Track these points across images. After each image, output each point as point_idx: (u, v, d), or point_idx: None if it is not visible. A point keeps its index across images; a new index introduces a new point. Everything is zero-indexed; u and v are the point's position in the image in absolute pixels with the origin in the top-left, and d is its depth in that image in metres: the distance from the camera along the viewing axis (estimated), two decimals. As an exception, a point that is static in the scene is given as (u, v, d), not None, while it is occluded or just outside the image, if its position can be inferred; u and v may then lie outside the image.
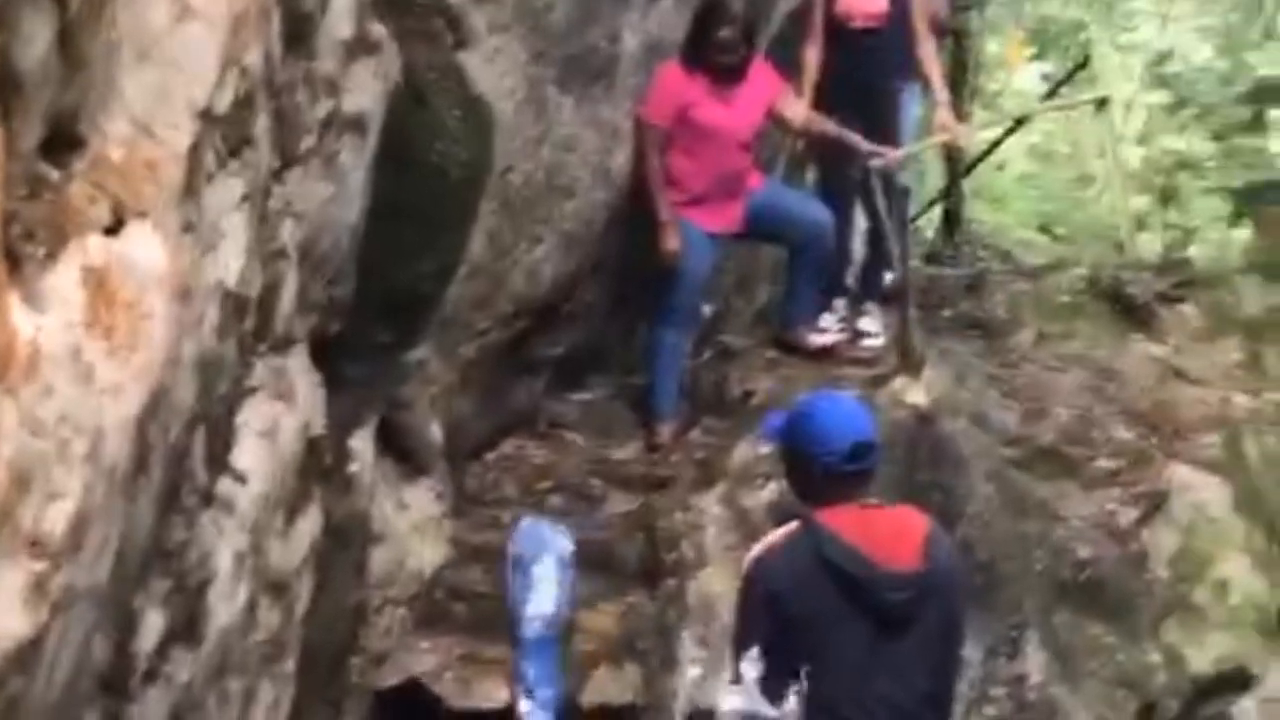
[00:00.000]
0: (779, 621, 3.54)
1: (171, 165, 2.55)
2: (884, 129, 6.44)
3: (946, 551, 3.75)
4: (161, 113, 2.51)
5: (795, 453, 3.77)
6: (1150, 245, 11.17)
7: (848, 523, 3.59)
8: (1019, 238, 12.31)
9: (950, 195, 10.44)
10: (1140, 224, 12.02)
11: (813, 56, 6.58)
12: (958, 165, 10.32)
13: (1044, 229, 12.84)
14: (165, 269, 2.46)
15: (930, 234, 10.76)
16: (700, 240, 6.13)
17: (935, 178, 11.14)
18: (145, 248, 2.43)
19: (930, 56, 6.70)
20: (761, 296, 7.52)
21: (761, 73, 6.23)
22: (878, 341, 6.52)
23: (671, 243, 6.03)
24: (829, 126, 6.33)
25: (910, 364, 6.05)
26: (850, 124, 6.29)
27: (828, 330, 6.51)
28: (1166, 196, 12.34)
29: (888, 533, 3.62)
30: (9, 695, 2.08)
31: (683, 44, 6.16)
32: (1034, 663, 5.55)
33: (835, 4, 6.54)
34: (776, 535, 3.77)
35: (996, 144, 10.45)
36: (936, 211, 10.76)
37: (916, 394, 5.94)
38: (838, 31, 6.53)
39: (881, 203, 6.40)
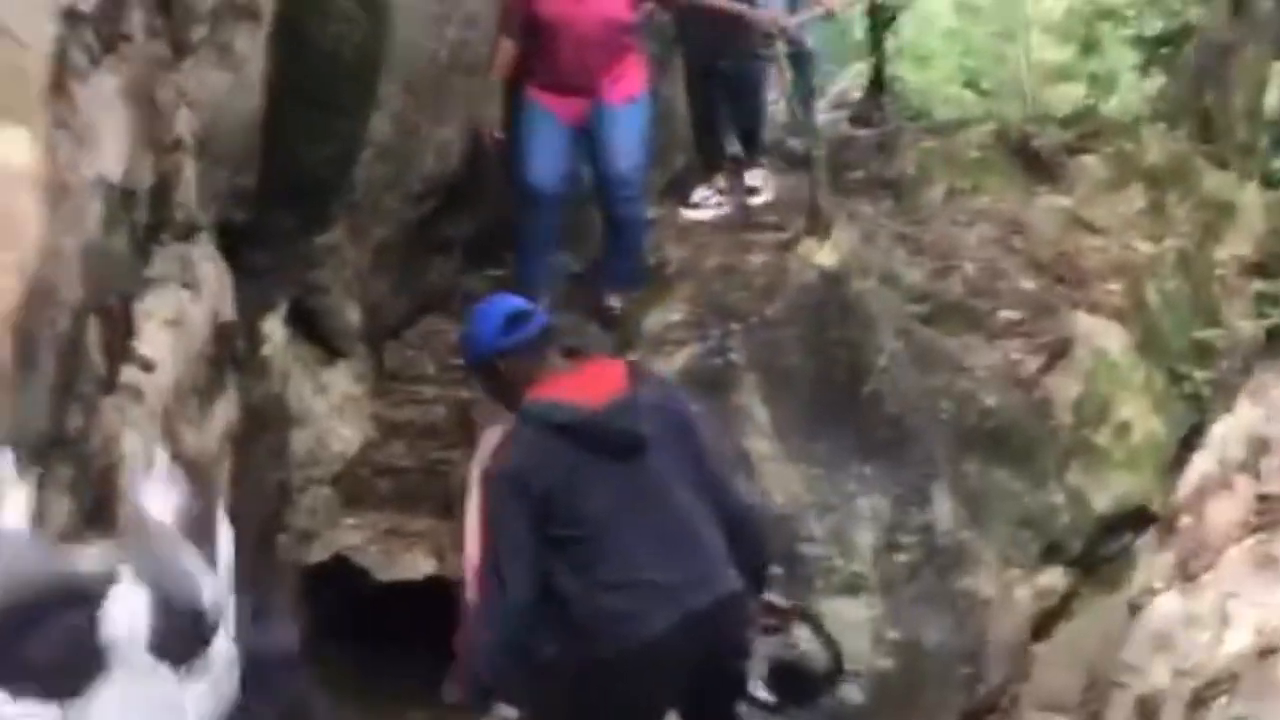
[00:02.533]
0: (530, 507, 3.62)
1: (37, 66, 2.63)
2: None
3: (650, 377, 3.97)
4: (22, 15, 2.58)
5: (476, 358, 4.01)
6: (1071, 96, 11.26)
7: (551, 388, 3.76)
8: (945, 94, 12.37)
9: (874, 54, 10.47)
10: (1062, 75, 12.09)
11: None
12: (879, 24, 10.35)
13: (969, 85, 12.88)
14: (35, 168, 2.54)
15: (856, 94, 10.81)
16: (547, 121, 5.86)
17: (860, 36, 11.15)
18: (15, 147, 2.50)
19: None
20: (677, 164, 7.60)
21: None
22: (765, 197, 6.62)
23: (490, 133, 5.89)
24: (719, 2, 6.13)
25: (818, 226, 6.18)
26: None
27: (701, 204, 6.57)
28: (1088, 46, 12.38)
29: (590, 379, 3.81)
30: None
31: None
32: (942, 510, 5.76)
33: None
34: (495, 438, 3.99)
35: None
36: (862, 70, 10.80)
37: (825, 255, 6.08)
38: None
39: (787, 70, 6.46)
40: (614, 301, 6.05)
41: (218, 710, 1.21)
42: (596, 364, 3.99)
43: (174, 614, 1.17)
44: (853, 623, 5.42)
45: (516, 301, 4.06)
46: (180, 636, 1.18)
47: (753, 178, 6.68)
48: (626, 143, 5.92)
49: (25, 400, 2.71)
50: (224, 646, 1.24)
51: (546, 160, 5.85)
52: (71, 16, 2.78)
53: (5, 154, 2.47)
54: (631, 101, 5.94)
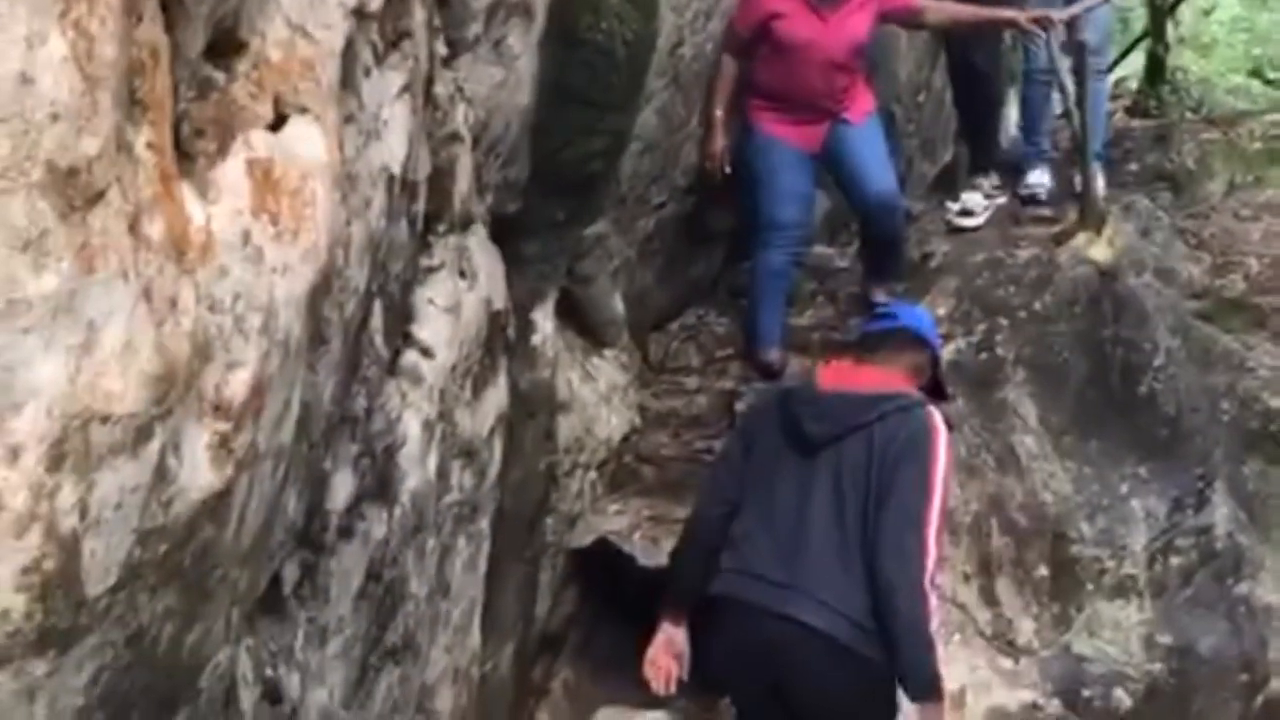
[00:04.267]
0: (743, 442, 4.07)
1: (327, 62, 2.76)
2: None
3: (902, 406, 3.86)
4: (315, 14, 2.72)
5: None
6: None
7: (832, 369, 4.04)
8: (1228, 84, 11.91)
9: (1153, 43, 10.15)
10: (1359, 64, 11.51)
11: None
12: (1159, 12, 10.02)
13: (1254, 74, 12.38)
14: (326, 159, 2.68)
15: (1134, 85, 10.51)
16: (787, 154, 5.75)
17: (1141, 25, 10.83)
18: (306, 140, 2.64)
19: None
20: (945, 157, 7.51)
21: None
22: (1040, 192, 6.47)
23: (713, 147, 5.80)
24: (973, 12, 5.88)
25: (1092, 220, 6.01)
26: None
27: (974, 212, 6.44)
28: (1388, 33, 11.77)
29: (846, 376, 3.98)
30: (202, 540, 2.36)
31: None
32: (1220, 513, 5.55)
33: None
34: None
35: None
36: (1141, 61, 10.49)
37: (1099, 250, 5.92)
38: None
39: (1061, 61, 6.28)
40: (881, 296, 6.00)
41: None
42: (873, 370, 4.02)
43: None
44: (1124, 626, 5.28)
45: (892, 325, 4.23)
46: None
47: (1035, 175, 6.53)
48: (877, 159, 5.83)
49: (315, 378, 2.86)
50: None
51: (794, 195, 5.77)
52: (360, 15, 2.91)
53: (300, 146, 2.61)
54: (870, 116, 5.86)
